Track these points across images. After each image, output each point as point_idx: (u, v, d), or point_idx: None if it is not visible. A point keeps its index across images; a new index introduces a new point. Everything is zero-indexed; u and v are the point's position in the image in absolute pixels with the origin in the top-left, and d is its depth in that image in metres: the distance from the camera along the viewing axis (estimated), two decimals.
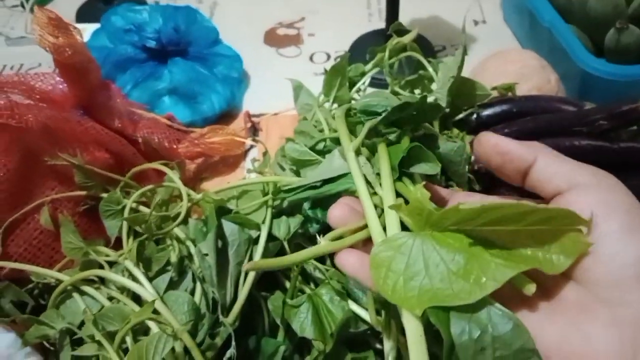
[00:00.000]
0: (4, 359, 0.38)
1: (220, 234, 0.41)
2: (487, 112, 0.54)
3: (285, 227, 0.43)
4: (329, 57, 0.88)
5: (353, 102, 0.56)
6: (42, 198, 0.48)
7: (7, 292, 0.44)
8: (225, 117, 0.76)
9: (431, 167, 0.34)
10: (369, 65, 0.60)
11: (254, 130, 0.74)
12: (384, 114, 0.36)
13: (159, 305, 0.37)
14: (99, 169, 0.49)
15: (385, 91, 0.45)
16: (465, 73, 0.49)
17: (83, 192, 0.49)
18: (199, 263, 0.39)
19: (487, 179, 0.50)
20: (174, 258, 0.44)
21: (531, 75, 0.62)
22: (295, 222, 0.43)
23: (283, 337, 0.43)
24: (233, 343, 0.38)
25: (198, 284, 0.42)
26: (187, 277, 0.44)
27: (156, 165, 0.49)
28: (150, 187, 0.48)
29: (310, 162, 0.44)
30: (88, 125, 0.53)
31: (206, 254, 0.39)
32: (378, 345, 0.42)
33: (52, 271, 0.43)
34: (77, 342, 0.42)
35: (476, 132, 0.39)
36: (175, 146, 0.61)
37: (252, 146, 0.72)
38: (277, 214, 0.45)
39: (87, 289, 0.41)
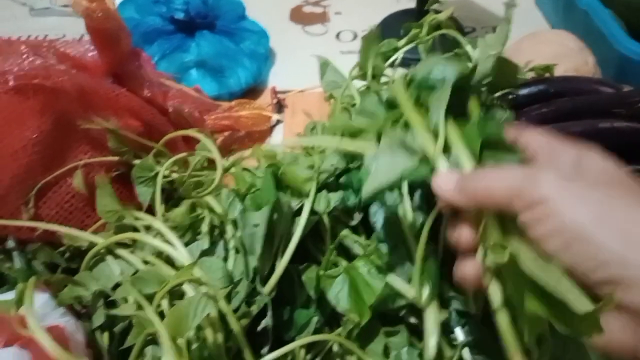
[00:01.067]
0: (39, 317, 0.38)
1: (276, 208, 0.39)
2: (524, 91, 0.54)
3: (325, 201, 0.42)
4: (355, 36, 0.87)
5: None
6: (75, 162, 0.47)
7: (39, 254, 0.44)
8: (251, 92, 0.75)
9: (513, 157, 0.30)
10: (403, 41, 0.59)
11: (279, 107, 0.73)
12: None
13: (196, 269, 0.37)
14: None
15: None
16: None
17: (115, 158, 0.48)
18: (241, 232, 0.39)
19: None
20: (205, 228, 0.44)
21: (568, 57, 0.61)
22: (335, 197, 0.43)
23: (314, 310, 0.43)
24: (269, 312, 0.38)
25: (231, 252, 0.42)
26: (219, 246, 0.44)
27: (191, 132, 0.48)
28: (183, 154, 0.47)
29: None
30: (120, 92, 0.52)
31: (256, 225, 0.38)
32: (412, 320, 0.41)
33: (86, 233, 0.42)
34: (109, 305, 0.42)
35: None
36: (205, 117, 0.60)
37: (278, 122, 0.71)
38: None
39: (121, 252, 0.41)
